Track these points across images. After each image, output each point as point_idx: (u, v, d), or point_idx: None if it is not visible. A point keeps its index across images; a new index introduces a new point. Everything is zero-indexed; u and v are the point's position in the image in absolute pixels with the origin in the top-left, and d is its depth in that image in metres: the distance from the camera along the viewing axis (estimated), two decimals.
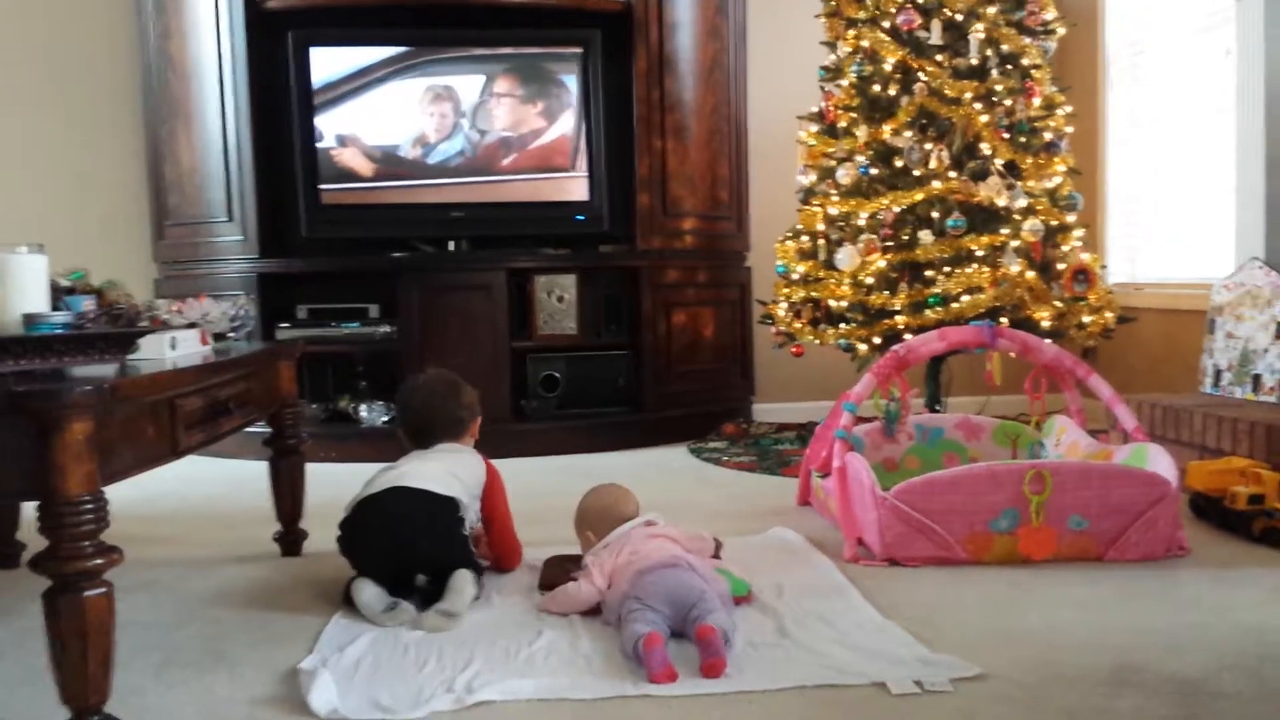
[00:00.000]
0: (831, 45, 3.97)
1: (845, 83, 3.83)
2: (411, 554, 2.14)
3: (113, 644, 1.52)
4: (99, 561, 1.49)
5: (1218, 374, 3.44)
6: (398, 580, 2.13)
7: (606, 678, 1.76)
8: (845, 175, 3.76)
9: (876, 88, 3.75)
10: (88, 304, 2.03)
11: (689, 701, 1.67)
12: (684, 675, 1.75)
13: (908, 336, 3.38)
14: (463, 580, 2.10)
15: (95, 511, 1.48)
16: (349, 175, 4.17)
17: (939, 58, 3.70)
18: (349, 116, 4.15)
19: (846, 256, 3.66)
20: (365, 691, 1.71)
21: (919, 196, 3.64)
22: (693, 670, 1.76)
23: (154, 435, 1.76)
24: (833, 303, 3.72)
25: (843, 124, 3.81)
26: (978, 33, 3.67)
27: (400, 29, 4.24)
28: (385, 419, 4.12)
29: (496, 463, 2.42)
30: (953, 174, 3.63)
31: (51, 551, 1.47)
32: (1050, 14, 3.79)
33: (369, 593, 2.07)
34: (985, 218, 3.64)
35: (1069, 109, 3.79)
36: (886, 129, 3.72)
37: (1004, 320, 3.44)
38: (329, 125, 4.14)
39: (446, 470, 2.25)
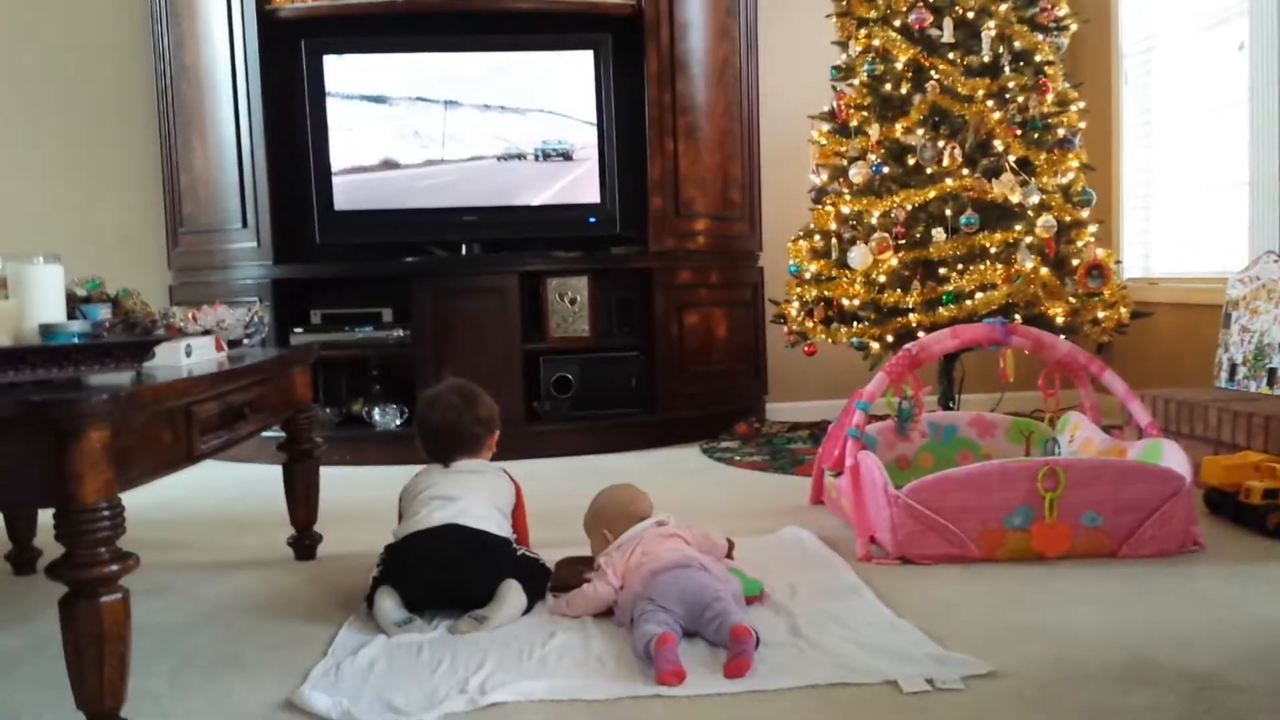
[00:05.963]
0: (843, 44, 3.97)
1: (857, 82, 3.84)
2: (463, 592, 2.10)
3: (129, 649, 1.53)
4: (115, 568, 1.50)
5: (1233, 368, 3.42)
6: (439, 607, 2.12)
7: (619, 678, 1.76)
8: (857, 174, 3.76)
9: (888, 86, 3.75)
10: (104, 313, 2.06)
11: (702, 700, 1.67)
12: (698, 674, 1.75)
13: (920, 334, 3.38)
14: (509, 590, 2.08)
15: (112, 518, 1.50)
16: (362, 182, 4.20)
17: (951, 55, 3.69)
18: (361, 122, 4.18)
19: (859, 255, 3.66)
20: (379, 693, 1.72)
21: (932, 194, 3.64)
22: (708, 670, 1.77)
23: (170, 441, 1.78)
24: (845, 301, 3.73)
25: (854, 123, 3.82)
26: (990, 30, 3.66)
27: (412, 35, 4.27)
28: (399, 422, 4.15)
29: (510, 465, 2.42)
30: (965, 171, 3.63)
31: (68, 558, 1.49)
32: (1062, 10, 3.77)
33: (387, 604, 2.07)
34: (998, 214, 3.63)
35: (1082, 105, 3.78)
36: (899, 127, 3.71)
37: (1017, 317, 3.44)
38: (341, 132, 4.16)
39: (492, 504, 2.23)
